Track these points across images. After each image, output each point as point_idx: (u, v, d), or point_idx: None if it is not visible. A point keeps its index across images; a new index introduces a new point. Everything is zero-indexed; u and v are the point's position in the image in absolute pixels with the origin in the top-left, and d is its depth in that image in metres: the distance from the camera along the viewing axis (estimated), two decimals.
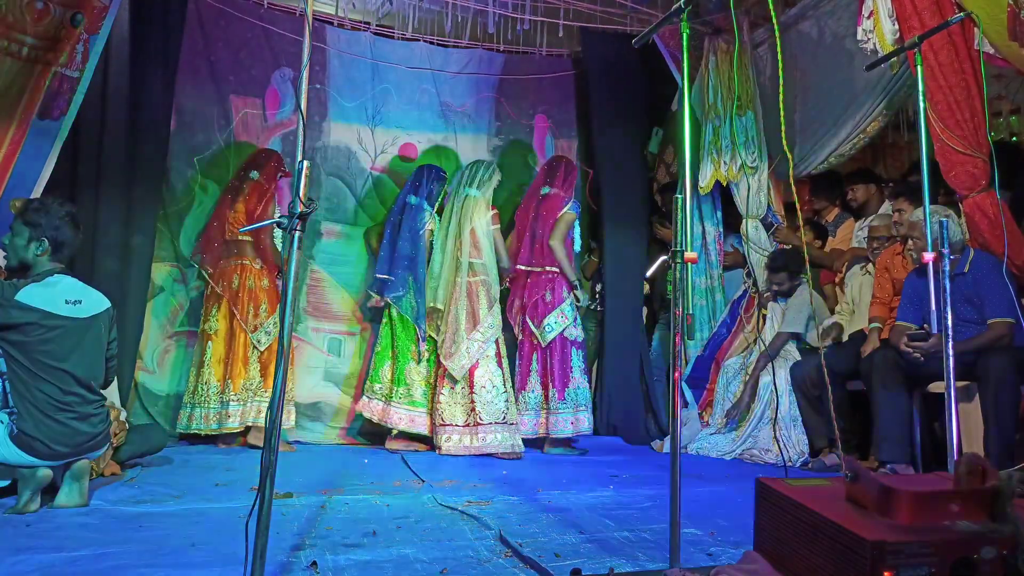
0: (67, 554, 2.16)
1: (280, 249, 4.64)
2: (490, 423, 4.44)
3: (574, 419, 4.66)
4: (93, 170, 4.44)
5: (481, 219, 4.69)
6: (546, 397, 4.73)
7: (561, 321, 4.72)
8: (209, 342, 4.49)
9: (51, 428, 2.81)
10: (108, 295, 3.20)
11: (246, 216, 4.57)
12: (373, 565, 2.10)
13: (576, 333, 4.77)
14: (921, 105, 2.81)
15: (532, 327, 4.72)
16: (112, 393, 3.76)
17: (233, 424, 4.38)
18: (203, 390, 4.42)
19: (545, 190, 4.88)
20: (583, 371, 4.79)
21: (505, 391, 4.55)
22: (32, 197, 3.56)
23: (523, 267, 4.81)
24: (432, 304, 4.66)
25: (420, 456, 4.37)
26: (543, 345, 4.72)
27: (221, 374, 4.45)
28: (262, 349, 4.48)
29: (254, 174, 4.69)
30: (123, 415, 3.69)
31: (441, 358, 4.57)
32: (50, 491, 2.84)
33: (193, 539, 2.37)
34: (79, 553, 2.17)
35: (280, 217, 1.83)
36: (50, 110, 3.86)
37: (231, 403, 4.40)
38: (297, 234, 1.84)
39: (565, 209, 4.79)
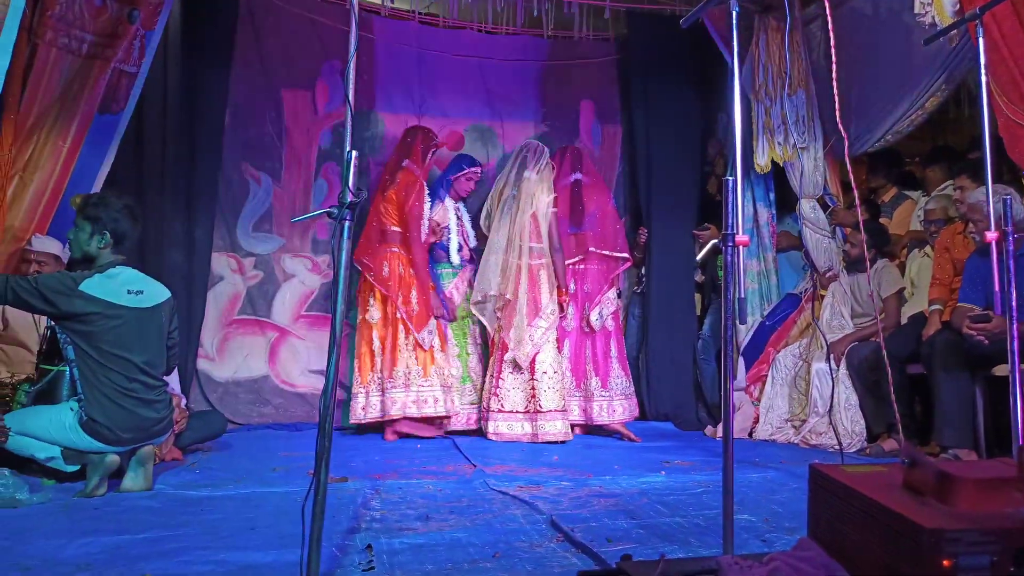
0: (132, 536, 2.24)
1: (426, 242, 4.67)
2: (549, 410, 4.44)
3: (610, 407, 4.67)
4: (158, 165, 4.59)
5: (543, 202, 4.68)
6: (578, 384, 4.74)
7: (611, 307, 4.80)
8: (373, 331, 4.52)
9: (117, 414, 2.91)
10: (173, 286, 3.28)
11: (396, 207, 4.59)
12: (427, 548, 2.13)
13: (614, 321, 4.85)
14: (982, 79, 2.71)
15: (587, 313, 4.76)
16: (173, 380, 3.87)
17: (396, 411, 4.40)
18: (369, 378, 4.49)
19: (578, 176, 4.89)
20: (620, 358, 4.80)
21: (563, 377, 4.56)
22: (91, 192, 3.66)
23: (593, 251, 4.82)
24: (490, 291, 4.64)
25: (471, 441, 4.40)
26: (595, 330, 4.74)
27: (383, 361, 4.49)
28: (426, 348, 4.51)
29: (404, 161, 4.68)
30: (184, 402, 3.80)
31: (510, 347, 4.55)
32: (116, 476, 2.93)
33: (252, 522, 2.43)
34: (144, 535, 2.25)
35: (330, 208, 1.85)
36: (109, 105, 3.97)
37: (393, 390, 4.43)
38: (347, 224, 1.86)
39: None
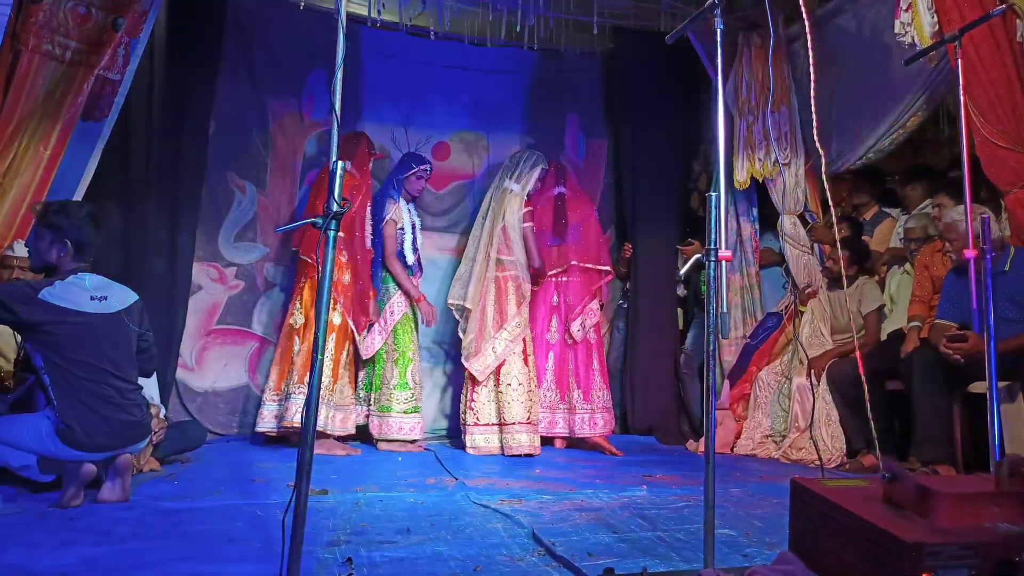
0: (109, 548, 2.21)
1: (371, 249, 4.60)
2: (513, 423, 4.42)
3: (592, 420, 4.66)
4: (143, 173, 4.56)
5: (513, 215, 4.67)
6: (562, 397, 4.74)
7: (589, 321, 4.79)
8: (295, 336, 4.43)
9: (92, 420, 2.87)
10: (154, 295, 3.20)
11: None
12: (407, 562, 2.12)
13: (595, 333, 4.83)
14: (961, 100, 2.75)
15: (569, 325, 4.75)
16: (153, 390, 3.83)
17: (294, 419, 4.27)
18: (287, 386, 4.38)
19: (561, 189, 4.89)
20: (602, 371, 4.80)
21: (529, 390, 4.54)
22: (67, 199, 3.59)
23: (575, 264, 4.82)
24: (460, 303, 4.66)
25: (452, 454, 4.39)
26: (578, 342, 4.74)
27: (298, 369, 4.37)
28: (364, 356, 4.50)
29: (346, 164, 4.60)
30: (163, 412, 3.76)
31: (462, 359, 4.58)
32: (93, 486, 2.90)
33: (231, 534, 2.41)
34: (121, 547, 2.22)
35: (315, 217, 1.85)
36: (93, 112, 3.94)
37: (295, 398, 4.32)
38: (332, 233, 1.86)
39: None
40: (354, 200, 4.48)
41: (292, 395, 4.32)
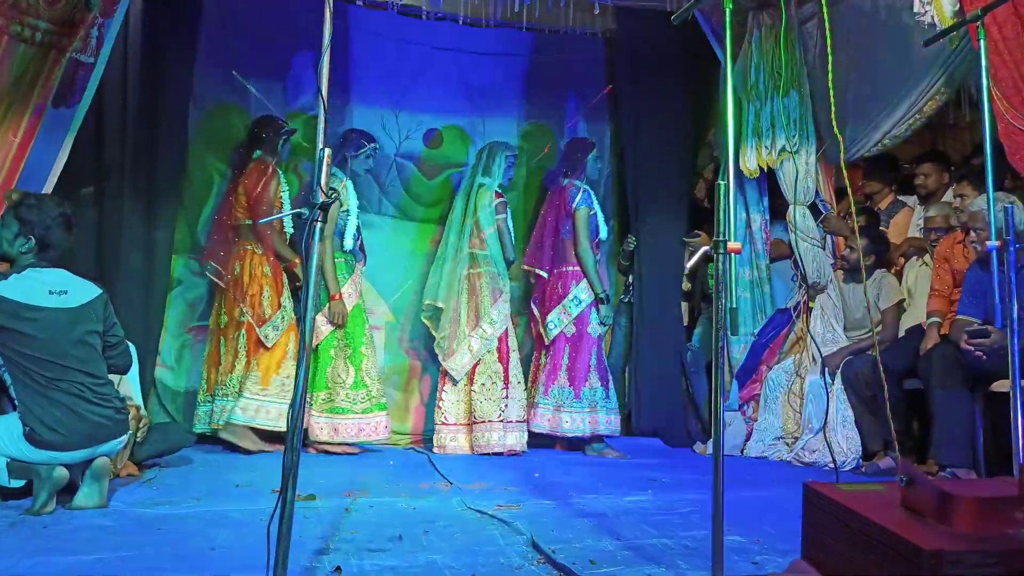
0: (86, 557, 2.21)
1: (287, 235, 4.59)
2: (483, 421, 4.47)
3: (591, 418, 4.65)
4: (118, 161, 4.54)
5: (485, 208, 4.70)
6: (546, 393, 4.75)
7: (563, 318, 4.72)
8: (221, 337, 4.49)
9: (62, 417, 2.87)
10: (131, 291, 3.16)
11: (247, 198, 4.47)
12: (399, 571, 2.12)
13: (587, 330, 4.76)
14: (984, 83, 2.75)
15: (540, 323, 4.81)
16: (130, 388, 3.82)
17: (220, 420, 4.34)
18: (222, 385, 4.43)
19: (564, 181, 4.92)
20: (596, 368, 4.76)
21: (505, 387, 4.56)
22: (28, 191, 3.56)
23: (528, 267, 4.91)
24: (432, 302, 4.70)
25: (445, 458, 4.39)
26: (546, 342, 4.76)
27: (223, 368, 4.44)
28: (269, 345, 4.39)
29: (256, 152, 4.59)
30: (143, 411, 3.75)
31: (440, 358, 4.62)
32: (69, 491, 2.89)
33: (213, 542, 2.41)
34: (98, 556, 2.22)
35: (301, 208, 1.85)
36: (64, 97, 3.92)
37: (226, 398, 4.38)
38: (319, 225, 1.86)
39: (574, 205, 4.75)
40: (257, 184, 4.45)
41: (217, 396, 4.43)
